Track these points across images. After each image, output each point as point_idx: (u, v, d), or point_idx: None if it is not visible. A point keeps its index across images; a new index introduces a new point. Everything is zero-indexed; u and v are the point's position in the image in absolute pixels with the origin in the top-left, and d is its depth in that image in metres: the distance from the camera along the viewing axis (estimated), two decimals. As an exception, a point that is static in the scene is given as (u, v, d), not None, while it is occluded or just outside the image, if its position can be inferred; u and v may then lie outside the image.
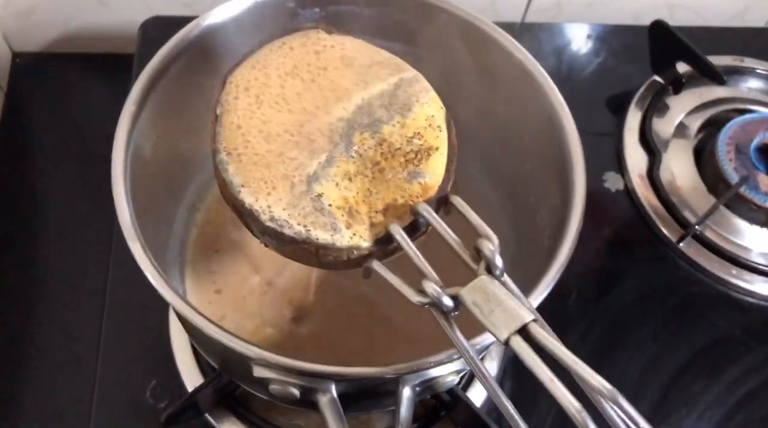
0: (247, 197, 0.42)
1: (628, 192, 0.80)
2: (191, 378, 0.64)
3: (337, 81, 0.47)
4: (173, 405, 0.59)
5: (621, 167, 0.81)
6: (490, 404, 0.64)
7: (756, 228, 0.77)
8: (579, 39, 0.93)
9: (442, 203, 0.44)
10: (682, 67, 0.85)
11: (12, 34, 0.87)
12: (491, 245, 0.39)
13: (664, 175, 0.80)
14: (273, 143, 0.44)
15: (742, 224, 0.77)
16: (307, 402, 0.45)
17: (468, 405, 0.60)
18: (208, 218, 0.64)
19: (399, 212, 0.43)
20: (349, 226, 0.42)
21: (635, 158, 0.81)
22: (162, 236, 0.58)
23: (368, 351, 0.59)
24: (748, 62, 0.89)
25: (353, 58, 0.48)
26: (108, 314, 0.67)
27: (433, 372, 0.46)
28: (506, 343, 0.35)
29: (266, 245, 0.45)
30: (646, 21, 0.85)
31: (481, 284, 0.37)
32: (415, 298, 0.39)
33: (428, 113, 0.46)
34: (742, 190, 0.76)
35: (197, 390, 0.59)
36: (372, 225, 0.43)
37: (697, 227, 0.75)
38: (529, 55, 0.55)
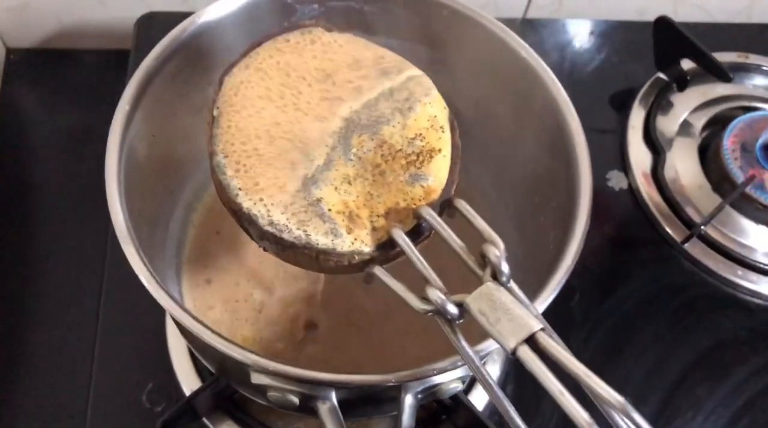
0: (245, 201, 0.41)
1: (632, 191, 0.79)
2: (188, 381, 0.63)
3: (336, 80, 0.46)
4: (170, 410, 0.58)
5: (625, 166, 0.81)
6: (492, 407, 0.64)
7: (762, 228, 0.76)
8: (581, 35, 0.92)
9: (445, 207, 0.43)
10: (686, 64, 0.84)
11: (5, 30, 0.86)
12: (497, 251, 0.37)
13: (669, 174, 0.79)
14: (271, 146, 0.43)
15: (747, 223, 0.76)
16: (307, 408, 0.44)
17: (470, 409, 0.59)
18: (205, 218, 0.63)
19: (401, 216, 0.42)
20: (350, 231, 0.41)
21: (639, 156, 0.81)
22: (158, 237, 0.57)
23: (371, 356, 0.58)
24: (754, 59, 0.88)
25: (353, 57, 0.47)
26: (103, 316, 0.67)
27: (437, 380, 0.45)
28: (513, 353, 0.34)
29: (265, 250, 0.43)
30: (650, 17, 0.84)
31: (487, 291, 0.36)
32: (418, 305, 0.38)
33: (430, 113, 0.45)
34: (748, 189, 0.75)
35: (194, 394, 0.58)
36: (374, 229, 0.41)
37: (702, 227, 0.74)
38: (534, 53, 0.54)
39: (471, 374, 0.49)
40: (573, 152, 0.51)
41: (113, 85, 0.56)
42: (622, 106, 0.85)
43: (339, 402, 0.44)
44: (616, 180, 0.80)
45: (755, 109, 0.84)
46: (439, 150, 0.44)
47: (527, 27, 0.92)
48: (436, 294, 0.37)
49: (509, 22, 0.55)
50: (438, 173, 0.43)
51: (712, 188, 0.78)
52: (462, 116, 0.48)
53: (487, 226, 0.39)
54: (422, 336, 0.57)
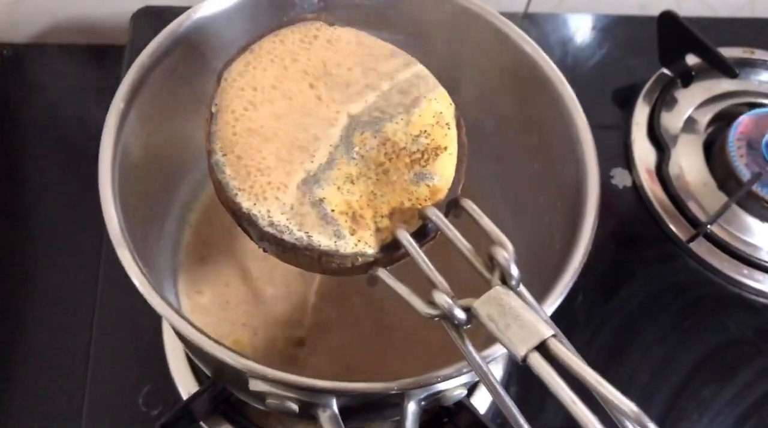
0: (245, 201, 0.40)
1: (636, 189, 0.78)
2: (185, 383, 0.62)
3: (338, 76, 0.44)
4: (166, 414, 0.57)
5: (629, 163, 0.79)
6: (494, 410, 0.63)
7: (768, 226, 0.75)
8: (583, 30, 0.91)
9: (451, 207, 0.42)
10: (691, 60, 0.82)
11: (-2, 25, 0.85)
12: (506, 253, 0.36)
13: (673, 171, 0.78)
14: (272, 144, 0.41)
15: (753, 222, 0.75)
16: (306, 415, 0.43)
17: (472, 412, 0.58)
18: (203, 218, 0.62)
19: (406, 217, 0.41)
20: (353, 232, 0.40)
21: (643, 153, 0.79)
22: (153, 238, 0.56)
23: (371, 359, 0.57)
24: (759, 54, 0.87)
25: (356, 52, 0.46)
26: (99, 317, 0.66)
27: (441, 386, 0.44)
28: (524, 361, 0.33)
29: (265, 251, 0.42)
30: (653, 11, 0.83)
31: (496, 295, 0.35)
32: (424, 310, 0.37)
33: (436, 109, 0.44)
34: (755, 187, 0.74)
35: (192, 398, 0.57)
36: (377, 230, 0.40)
37: (708, 226, 0.73)
38: (538, 48, 0.53)
39: (476, 380, 0.48)
40: (580, 150, 0.50)
41: (108, 82, 0.55)
42: (625, 102, 0.84)
43: (340, 408, 0.43)
44: (620, 178, 0.79)
45: (761, 105, 0.83)
46: (445, 148, 0.43)
47: (528, 22, 0.91)
48: (443, 299, 0.36)
49: (510, 17, 0.55)
50: (444, 172, 0.42)
51: (718, 185, 0.77)
52: (464, 113, 0.47)
53: (495, 227, 0.38)
54: (425, 338, 0.56)
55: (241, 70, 0.44)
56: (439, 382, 0.40)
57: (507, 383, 0.66)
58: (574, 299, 0.71)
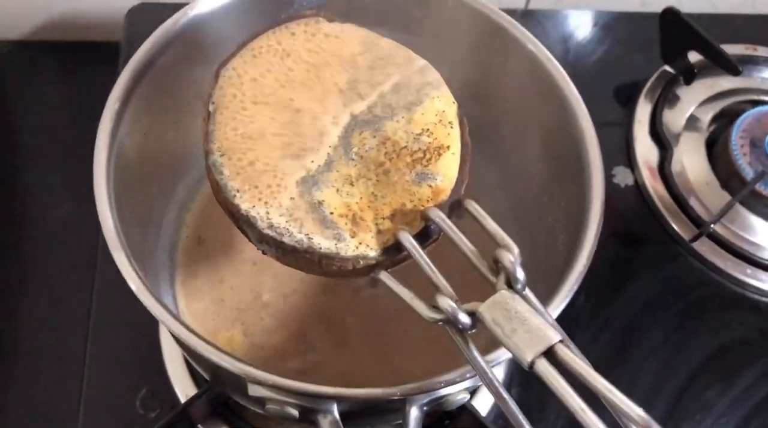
0: (244, 203, 0.39)
1: (638, 187, 0.77)
2: (183, 385, 0.61)
3: (339, 75, 0.44)
4: (164, 418, 0.56)
5: (631, 162, 0.79)
6: (496, 412, 0.62)
7: (772, 225, 0.75)
8: (584, 26, 0.90)
9: (454, 208, 0.41)
10: (693, 57, 0.82)
11: (-7, 21, 0.84)
12: (511, 256, 0.36)
13: (675, 169, 0.77)
14: (270, 144, 0.41)
15: (757, 221, 0.75)
16: (307, 421, 0.43)
17: (474, 415, 0.57)
18: (200, 218, 0.61)
19: (408, 218, 0.40)
20: (353, 235, 0.39)
21: (645, 151, 0.79)
22: (150, 239, 0.55)
23: (372, 363, 0.56)
24: (762, 51, 0.86)
25: (356, 49, 0.45)
26: (96, 318, 0.65)
27: (444, 391, 0.43)
28: (531, 367, 0.32)
29: (264, 253, 0.41)
30: (654, 8, 0.82)
31: (502, 299, 0.34)
32: (428, 314, 0.36)
33: (438, 107, 0.43)
34: (758, 186, 0.73)
35: (189, 402, 0.56)
36: (379, 232, 0.39)
37: (711, 225, 0.72)
38: (541, 45, 0.52)
39: (479, 384, 0.47)
40: (583, 149, 0.50)
41: (104, 79, 0.54)
42: (627, 99, 0.83)
43: (341, 413, 0.42)
44: (622, 176, 0.78)
45: (764, 103, 0.82)
46: (448, 147, 0.42)
47: (529, 18, 0.90)
48: (447, 303, 0.35)
49: (510, 14, 0.54)
50: (447, 172, 0.41)
51: (721, 184, 0.76)
52: (466, 111, 0.46)
53: (500, 229, 0.38)
54: (426, 341, 0.55)
55: (239, 68, 0.43)
56: (442, 387, 0.40)
57: (509, 385, 0.65)
58: (576, 299, 0.70)
